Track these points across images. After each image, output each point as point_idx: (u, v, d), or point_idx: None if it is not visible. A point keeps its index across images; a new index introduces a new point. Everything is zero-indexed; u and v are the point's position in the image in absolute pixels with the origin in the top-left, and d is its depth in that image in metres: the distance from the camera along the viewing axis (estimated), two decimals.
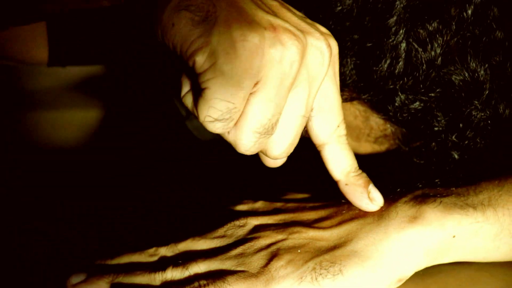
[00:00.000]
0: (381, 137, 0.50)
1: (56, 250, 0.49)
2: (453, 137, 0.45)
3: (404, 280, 0.37)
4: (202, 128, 0.62)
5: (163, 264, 0.39)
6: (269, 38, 0.33)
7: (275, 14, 0.36)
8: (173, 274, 0.38)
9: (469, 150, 0.46)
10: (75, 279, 0.39)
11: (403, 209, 0.38)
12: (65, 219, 0.56)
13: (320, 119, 0.39)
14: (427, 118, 0.45)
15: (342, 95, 0.46)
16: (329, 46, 0.37)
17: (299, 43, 0.34)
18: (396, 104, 0.45)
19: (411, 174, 0.47)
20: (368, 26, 0.44)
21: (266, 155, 0.38)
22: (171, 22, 0.34)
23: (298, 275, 0.36)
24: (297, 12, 0.39)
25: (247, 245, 0.39)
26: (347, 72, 0.46)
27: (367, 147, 0.52)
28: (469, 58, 0.43)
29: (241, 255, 0.38)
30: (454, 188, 0.40)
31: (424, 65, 0.43)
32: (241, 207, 0.45)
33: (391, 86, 0.44)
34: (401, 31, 0.43)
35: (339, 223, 0.40)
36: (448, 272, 0.39)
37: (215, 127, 0.35)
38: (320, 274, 0.36)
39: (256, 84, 0.34)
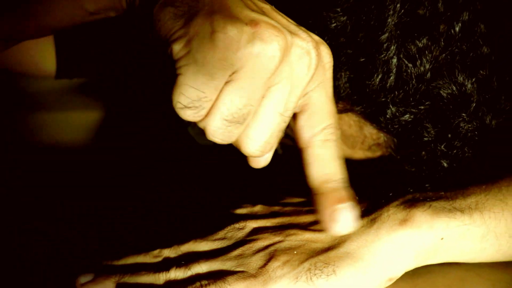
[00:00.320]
0: (374, 145, 0.52)
1: (56, 250, 0.51)
2: (442, 146, 0.47)
3: (394, 280, 0.40)
4: (203, 134, 0.64)
5: (166, 264, 0.41)
6: (248, 32, 0.34)
7: (263, 13, 0.37)
8: (177, 274, 0.40)
9: (457, 159, 0.48)
10: (83, 279, 0.41)
11: (394, 213, 0.41)
12: (65, 219, 0.57)
13: (304, 120, 0.39)
14: (417, 129, 0.47)
15: (336, 107, 0.47)
16: (318, 50, 0.37)
17: (282, 39, 0.35)
18: (388, 116, 0.47)
19: (402, 180, 0.49)
20: (361, 42, 0.46)
21: (240, 150, 0.38)
22: (158, 17, 0.36)
23: (294, 275, 0.39)
24: (290, 20, 0.40)
25: (246, 246, 0.42)
26: (341, 85, 0.48)
27: (361, 154, 0.53)
28: (457, 72, 0.45)
29: (240, 256, 0.41)
30: (443, 193, 0.42)
31: (414, 79, 0.45)
32: (241, 211, 0.47)
33: (383, 99, 0.47)
34: (392, 47, 0.45)
35: None
36: (437, 273, 0.42)
37: (185, 114, 0.36)
38: (315, 274, 0.39)
39: (232, 74, 0.35)
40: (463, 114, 0.46)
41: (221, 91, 0.35)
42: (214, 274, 0.40)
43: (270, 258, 0.40)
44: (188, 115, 0.36)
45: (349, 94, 0.48)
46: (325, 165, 0.39)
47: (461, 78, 0.45)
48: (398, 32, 0.45)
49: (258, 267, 0.40)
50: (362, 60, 0.46)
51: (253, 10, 0.36)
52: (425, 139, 0.47)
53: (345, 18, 0.47)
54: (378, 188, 0.45)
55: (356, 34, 0.47)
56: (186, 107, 0.35)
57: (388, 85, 0.46)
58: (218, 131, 0.36)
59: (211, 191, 0.62)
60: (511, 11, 0.47)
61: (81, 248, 0.51)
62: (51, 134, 0.82)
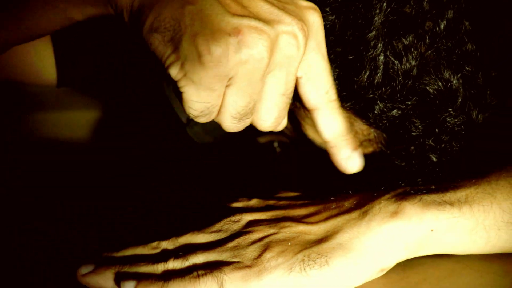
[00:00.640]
0: (366, 141, 0.54)
1: (56, 250, 0.51)
2: (430, 141, 0.49)
3: (386, 270, 0.42)
4: (202, 134, 0.66)
5: (165, 256, 0.43)
6: (234, 43, 0.38)
7: (243, 9, 0.40)
8: (174, 264, 0.42)
9: (445, 153, 0.50)
10: (84, 270, 0.43)
11: (385, 205, 0.43)
12: (65, 219, 0.59)
13: (309, 86, 0.44)
14: (405, 124, 0.49)
15: None
16: (302, 27, 0.40)
17: (265, 39, 0.38)
18: (376, 111, 0.49)
19: (394, 174, 0.51)
20: (349, 40, 0.49)
21: (258, 128, 0.44)
22: (149, 42, 0.40)
23: (288, 265, 0.41)
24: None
25: (242, 238, 0.44)
26: None
27: None
28: (442, 68, 0.47)
29: (236, 247, 0.43)
30: (433, 186, 0.44)
31: (401, 76, 0.48)
32: (237, 204, 0.49)
33: (371, 95, 0.49)
34: (379, 45, 0.47)
35: (326, 218, 0.44)
36: (428, 264, 0.44)
37: (200, 120, 0.41)
38: (308, 265, 0.41)
39: (229, 80, 0.39)
40: (450, 109, 0.48)
41: (224, 94, 0.40)
42: (211, 265, 0.42)
43: (265, 249, 0.42)
44: (202, 120, 0.41)
45: (339, 91, 0.49)
46: (334, 122, 0.45)
47: (447, 74, 0.48)
48: (385, 30, 0.47)
49: (253, 258, 0.42)
50: (350, 57, 0.49)
51: (233, 14, 0.39)
52: (413, 134, 0.50)
53: (333, 17, 0.49)
54: (371, 182, 0.47)
55: (345, 33, 0.49)
56: (197, 116, 0.40)
57: (375, 82, 0.48)
58: (232, 126, 0.42)
59: (210, 190, 0.64)
60: (494, 9, 0.49)
61: (81, 248, 0.52)
62: (51, 134, 0.83)
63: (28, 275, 0.48)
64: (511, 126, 0.53)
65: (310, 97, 0.45)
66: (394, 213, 0.42)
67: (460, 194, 0.43)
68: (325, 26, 0.47)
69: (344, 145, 0.46)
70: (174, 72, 0.39)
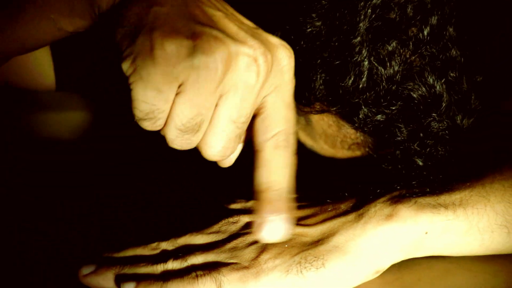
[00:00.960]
0: (354, 145, 0.55)
1: (56, 250, 0.52)
2: (415, 145, 0.51)
3: (381, 272, 0.44)
4: None
5: (164, 256, 0.45)
6: (189, 46, 0.37)
7: (209, 24, 0.39)
8: (174, 265, 0.44)
9: (431, 157, 0.51)
10: (85, 270, 0.45)
11: (380, 208, 0.44)
12: (65, 219, 0.59)
13: (258, 123, 0.42)
14: (390, 128, 0.51)
15: (313, 107, 0.52)
16: (268, 56, 0.39)
17: (223, 51, 0.38)
18: (360, 116, 0.50)
19: (390, 177, 0.52)
20: (335, 46, 0.50)
21: (202, 154, 0.42)
22: (114, 36, 0.40)
23: (285, 267, 0.43)
24: (246, 22, 0.42)
25: (240, 239, 0.45)
26: (317, 86, 0.51)
27: (343, 153, 0.57)
28: (426, 74, 0.49)
29: (234, 248, 0.45)
30: (428, 189, 0.45)
31: (384, 81, 0.49)
32: (235, 206, 0.51)
33: (356, 100, 0.50)
34: (364, 51, 0.48)
35: (323, 221, 0.46)
36: (423, 265, 0.45)
37: (144, 125, 0.39)
38: (305, 267, 0.42)
39: (180, 87, 0.38)
40: (434, 114, 0.50)
41: (173, 102, 0.38)
42: (209, 265, 0.44)
43: (262, 251, 0.44)
44: (146, 125, 0.39)
45: (325, 96, 0.51)
46: (271, 171, 0.42)
47: (431, 80, 0.49)
48: (370, 36, 0.49)
49: (250, 259, 0.43)
50: (336, 63, 0.50)
51: (198, 22, 0.39)
52: (398, 138, 0.51)
53: (320, 23, 0.50)
54: (367, 185, 0.48)
55: (330, 38, 0.50)
56: (142, 119, 0.39)
57: (360, 87, 0.49)
58: (175, 140, 0.40)
59: (209, 191, 0.64)
60: (479, 15, 0.50)
61: (81, 248, 0.53)
62: (51, 134, 0.84)
63: (29, 275, 0.49)
64: (511, 126, 0.54)
65: (256, 135, 0.42)
66: (389, 216, 0.44)
67: (455, 197, 0.45)
68: (311, 32, 0.49)
69: (273, 199, 0.41)
70: (126, 66, 0.38)
